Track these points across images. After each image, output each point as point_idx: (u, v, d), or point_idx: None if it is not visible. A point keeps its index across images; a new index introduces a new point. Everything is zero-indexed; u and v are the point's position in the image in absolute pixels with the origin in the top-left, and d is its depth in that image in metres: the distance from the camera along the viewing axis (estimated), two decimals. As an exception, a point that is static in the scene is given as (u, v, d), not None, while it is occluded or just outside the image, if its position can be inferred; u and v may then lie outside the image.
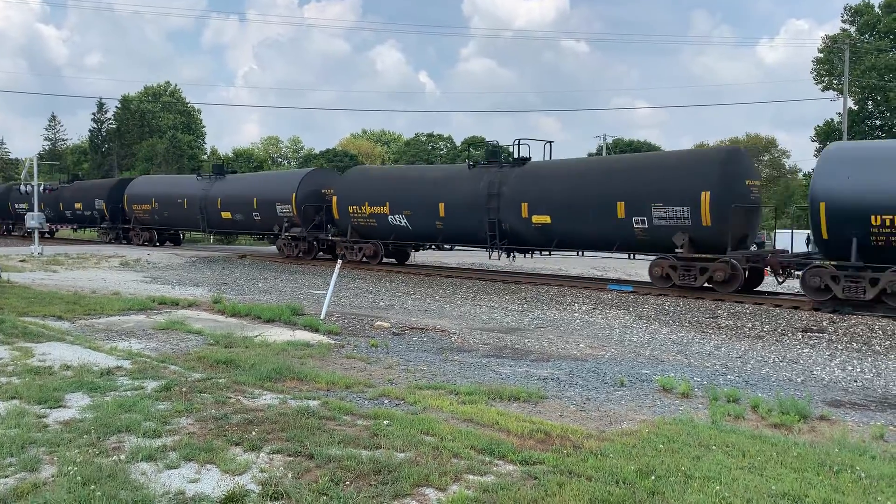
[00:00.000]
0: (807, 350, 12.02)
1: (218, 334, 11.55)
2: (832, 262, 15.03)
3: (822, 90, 57.16)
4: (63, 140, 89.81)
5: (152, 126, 74.97)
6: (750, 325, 14.10)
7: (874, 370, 10.49)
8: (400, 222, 24.16)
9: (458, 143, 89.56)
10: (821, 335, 13.08)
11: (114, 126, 74.11)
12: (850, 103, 52.14)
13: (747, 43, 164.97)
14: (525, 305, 16.83)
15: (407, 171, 28.83)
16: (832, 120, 56.08)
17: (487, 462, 5.76)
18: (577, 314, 15.60)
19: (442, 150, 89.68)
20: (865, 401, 8.68)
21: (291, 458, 5.73)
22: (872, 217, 14.26)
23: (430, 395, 7.95)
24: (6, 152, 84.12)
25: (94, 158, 73.87)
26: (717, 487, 5.19)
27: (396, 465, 5.52)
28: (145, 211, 35.22)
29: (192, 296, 17.01)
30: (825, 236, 15.01)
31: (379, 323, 13.42)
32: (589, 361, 10.50)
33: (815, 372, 10.36)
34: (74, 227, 42.91)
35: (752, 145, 73.20)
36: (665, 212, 17.57)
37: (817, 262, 15.37)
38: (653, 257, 18.42)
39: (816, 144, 54.87)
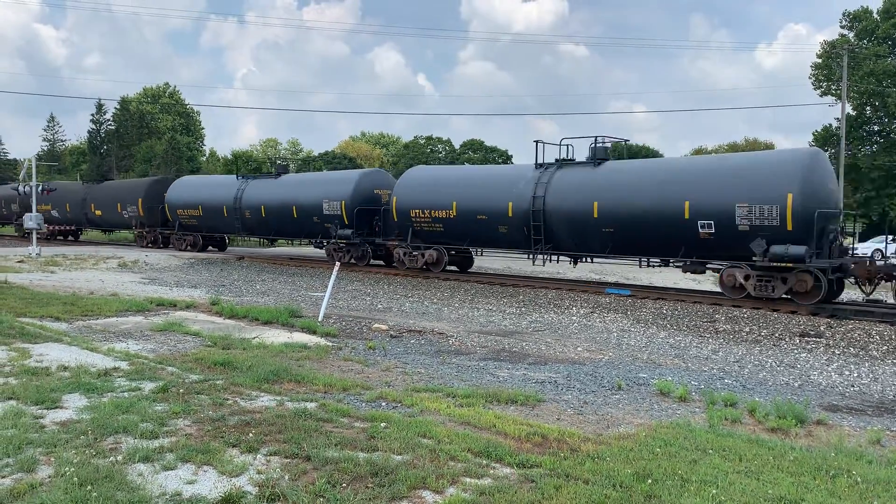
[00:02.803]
0: (804, 355, 12.03)
1: (215, 336, 11.55)
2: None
3: (821, 95, 57.33)
4: (62, 141, 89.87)
5: (151, 127, 74.95)
6: (748, 329, 14.12)
7: (871, 375, 10.51)
8: (56, 215, 41.29)
9: (457, 146, 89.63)
10: (818, 340, 13.10)
11: (112, 127, 74.07)
12: (849, 108, 52.26)
13: (745, 47, 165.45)
14: (523, 308, 16.84)
15: (71, 185, 46.04)
16: (830, 125, 56.23)
17: (484, 465, 5.76)
18: (574, 317, 15.61)
19: (441, 152, 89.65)
20: (862, 405, 8.69)
21: (288, 460, 5.73)
22: None
23: (427, 397, 7.95)
24: (5, 152, 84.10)
25: (92, 160, 73.82)
26: (714, 491, 5.20)
27: (393, 468, 5.52)
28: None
29: (190, 297, 17.00)
30: None
31: (376, 325, 13.42)
32: (586, 365, 10.51)
33: (812, 376, 10.38)
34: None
35: (750, 149, 73.24)
36: (130, 208, 35.68)
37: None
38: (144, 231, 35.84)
39: (815, 149, 54.89)
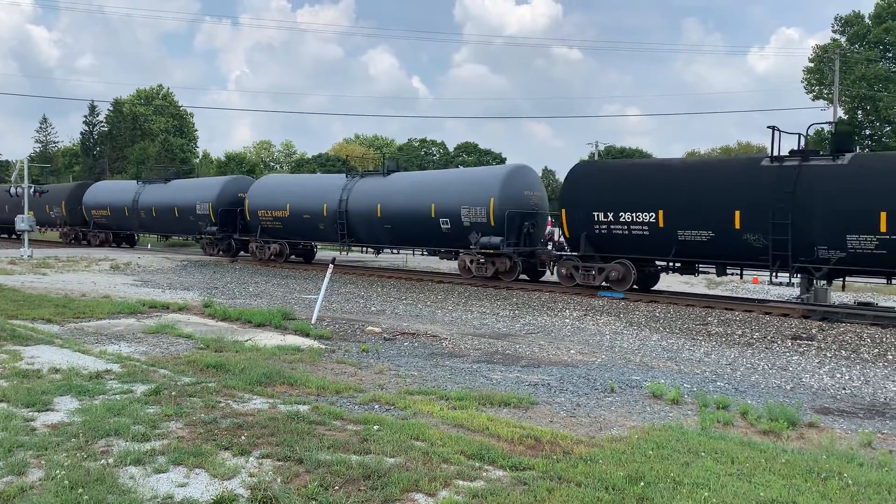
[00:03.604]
0: (796, 357, 12.08)
1: (208, 338, 11.51)
2: None
3: (813, 99, 57.61)
4: (54, 142, 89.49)
5: (144, 129, 74.77)
6: (740, 332, 14.16)
7: (862, 378, 10.55)
8: None
9: (450, 149, 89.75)
10: (810, 343, 13.15)
11: (105, 129, 73.87)
12: (841, 113, 52.53)
13: (738, 51, 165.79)
14: (516, 311, 16.85)
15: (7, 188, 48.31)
16: (822, 129, 56.42)
17: (477, 467, 5.76)
18: (567, 320, 15.63)
19: (434, 155, 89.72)
20: (854, 408, 8.73)
21: (281, 463, 5.72)
22: None
23: (420, 400, 7.95)
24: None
25: (85, 161, 73.60)
26: (706, 494, 5.21)
27: (386, 471, 5.52)
28: None
29: (183, 300, 16.95)
30: None
31: (370, 328, 13.41)
32: (579, 367, 10.52)
33: (804, 379, 10.42)
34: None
35: (743, 153, 73.47)
36: (56, 209, 40.21)
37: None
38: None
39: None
